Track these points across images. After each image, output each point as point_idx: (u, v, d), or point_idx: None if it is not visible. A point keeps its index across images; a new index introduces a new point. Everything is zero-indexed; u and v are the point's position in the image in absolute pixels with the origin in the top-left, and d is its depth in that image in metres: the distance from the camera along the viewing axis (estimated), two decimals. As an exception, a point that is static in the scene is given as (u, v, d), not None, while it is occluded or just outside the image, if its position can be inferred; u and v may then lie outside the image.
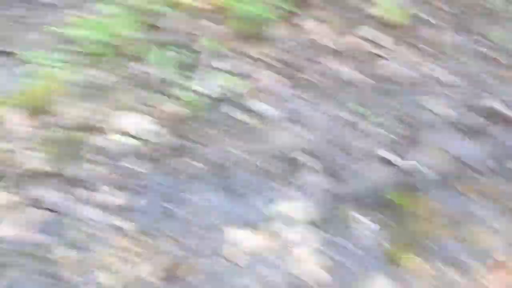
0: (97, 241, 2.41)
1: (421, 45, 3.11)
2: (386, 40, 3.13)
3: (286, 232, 2.33)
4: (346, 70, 3.04)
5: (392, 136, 2.70)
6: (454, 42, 3.10)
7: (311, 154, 2.65)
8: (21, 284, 2.24)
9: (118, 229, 2.46)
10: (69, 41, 3.40)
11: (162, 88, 3.03)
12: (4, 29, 3.84)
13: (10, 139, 2.92)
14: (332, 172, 2.58)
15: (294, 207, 2.43)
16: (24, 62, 3.39)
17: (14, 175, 2.75)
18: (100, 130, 2.90)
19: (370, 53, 3.10)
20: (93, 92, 3.07)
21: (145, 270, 2.26)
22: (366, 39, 3.13)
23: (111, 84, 3.10)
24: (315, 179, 2.56)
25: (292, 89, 2.99)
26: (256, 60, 3.14)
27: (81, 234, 2.45)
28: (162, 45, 3.22)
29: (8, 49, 3.60)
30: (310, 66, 3.08)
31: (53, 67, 3.25)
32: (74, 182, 2.69)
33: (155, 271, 2.24)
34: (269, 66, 3.10)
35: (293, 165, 2.63)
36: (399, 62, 3.03)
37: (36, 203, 2.62)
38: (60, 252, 2.37)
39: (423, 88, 2.93)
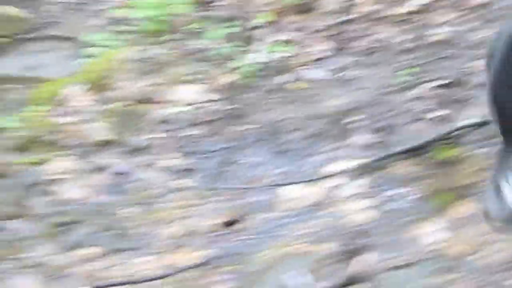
0: (160, 199, 2.56)
1: (471, 11, 3.14)
2: (436, 7, 3.19)
3: (337, 186, 2.43)
4: (398, 37, 3.11)
5: (442, 96, 2.76)
6: (504, 6, 3.12)
7: (361, 115, 2.74)
8: (91, 239, 2.41)
9: (179, 189, 2.60)
10: (127, 22, 3.58)
11: (217, 60, 3.16)
12: (64, 16, 4.06)
13: (75, 113, 3.11)
14: (381, 130, 2.66)
15: (344, 163, 2.53)
16: (84, 45, 3.59)
17: (80, 145, 2.93)
18: (158, 102, 3.06)
19: (421, 20, 3.16)
20: (150, 67, 3.23)
21: (205, 223, 2.39)
22: (418, 8, 3.20)
23: (168, 59, 3.25)
24: (365, 137, 2.64)
25: (343, 56, 3.08)
26: (307, 31, 3.24)
27: (145, 195, 2.61)
28: (216, 21, 3.35)
29: (69, 35, 3.82)
30: (361, 35, 3.16)
31: (112, 47, 3.43)
32: (136, 149, 2.85)
33: (215, 224, 2.38)
34: (320, 36, 3.20)
35: (343, 125, 2.72)
36: (450, 28, 3.08)
37: (101, 169, 2.79)
38: (126, 210, 2.54)
39: (474, 51, 2.97)
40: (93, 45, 3.55)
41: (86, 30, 3.74)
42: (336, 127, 2.73)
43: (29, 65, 3.78)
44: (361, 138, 2.66)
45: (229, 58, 3.16)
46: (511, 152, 1.13)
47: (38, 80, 3.48)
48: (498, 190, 1.09)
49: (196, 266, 2.20)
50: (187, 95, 3.05)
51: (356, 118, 2.75)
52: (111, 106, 3.08)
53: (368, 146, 2.62)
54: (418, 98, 2.80)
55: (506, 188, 1.09)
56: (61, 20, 4.08)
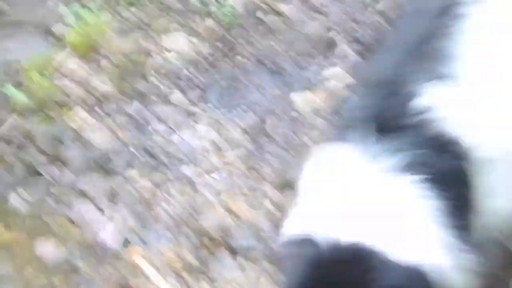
0: (182, 126, 2.88)
1: None
2: None
3: (337, 89, 2.84)
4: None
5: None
6: None
7: (340, 31, 3.15)
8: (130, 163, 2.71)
9: (194, 114, 2.93)
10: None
11: (196, 10, 3.46)
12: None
13: (77, 76, 3.33)
14: (358, 42, 3.09)
15: (336, 71, 2.94)
16: (55, 23, 3.77)
17: (90, 100, 3.17)
18: (153, 52, 3.33)
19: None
20: (135, 26, 3.48)
21: (231, 134, 2.74)
22: None
23: (150, 16, 3.52)
24: (348, 48, 3.06)
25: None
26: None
27: (166, 126, 2.92)
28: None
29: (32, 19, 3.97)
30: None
31: (84, 17, 3.65)
32: (144, 93, 3.13)
33: (240, 133, 2.73)
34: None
35: (326, 43, 3.13)
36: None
37: (116, 115, 3.06)
38: (154, 138, 2.84)
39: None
40: (65, 21, 3.74)
41: (51, 12, 3.92)
42: (320, 46, 3.13)
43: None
44: (345, 50, 3.08)
45: (207, 5, 3.48)
46: None
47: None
48: None
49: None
50: (178, 42, 3.34)
51: (335, 35, 3.16)
52: (109, 63, 3.32)
53: (351, 55, 3.05)
54: (380, 12, 3.25)
55: None
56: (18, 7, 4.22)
